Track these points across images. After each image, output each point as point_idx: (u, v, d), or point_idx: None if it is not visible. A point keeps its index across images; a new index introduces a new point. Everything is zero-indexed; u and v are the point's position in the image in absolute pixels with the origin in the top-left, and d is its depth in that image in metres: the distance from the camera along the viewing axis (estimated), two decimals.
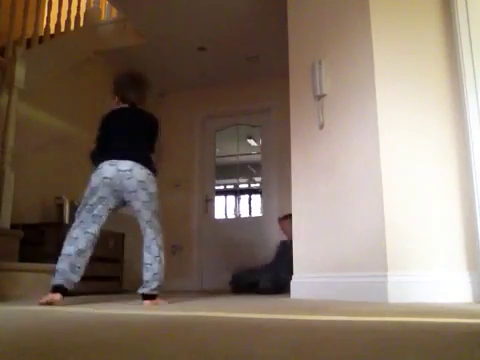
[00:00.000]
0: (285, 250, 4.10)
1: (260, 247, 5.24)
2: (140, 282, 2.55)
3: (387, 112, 2.76)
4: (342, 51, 3.11)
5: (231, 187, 6.43)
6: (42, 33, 4.50)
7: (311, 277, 3.04)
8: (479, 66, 2.60)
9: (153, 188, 2.60)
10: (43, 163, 4.08)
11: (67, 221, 3.83)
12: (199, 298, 3.31)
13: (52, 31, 4.65)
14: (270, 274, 4.24)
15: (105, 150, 2.60)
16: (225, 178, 6.34)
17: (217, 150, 6.00)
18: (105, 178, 2.51)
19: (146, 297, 2.51)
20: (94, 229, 2.49)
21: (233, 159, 6.02)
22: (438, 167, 2.65)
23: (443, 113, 2.69)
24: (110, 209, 2.56)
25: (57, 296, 2.34)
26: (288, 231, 3.94)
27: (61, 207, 3.90)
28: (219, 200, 6.22)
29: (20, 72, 3.51)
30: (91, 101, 4.81)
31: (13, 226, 3.25)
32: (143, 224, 2.57)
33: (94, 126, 2.79)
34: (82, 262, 2.44)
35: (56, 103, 4.40)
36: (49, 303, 2.30)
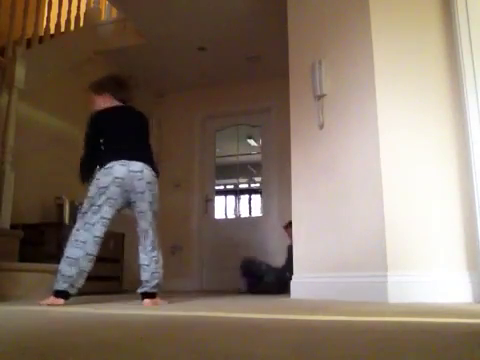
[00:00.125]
0: (290, 253, 4.13)
1: (260, 247, 5.25)
2: (139, 283, 2.56)
3: (387, 112, 2.76)
4: (342, 51, 3.11)
5: (231, 187, 6.43)
6: (42, 33, 4.50)
7: (311, 277, 3.04)
8: (479, 66, 2.60)
9: (157, 190, 2.62)
10: (43, 163, 4.08)
11: (67, 221, 3.83)
12: (199, 298, 3.31)
13: (52, 31, 4.65)
14: (275, 272, 4.26)
15: (110, 150, 2.57)
16: (225, 178, 6.34)
17: (217, 150, 6.00)
18: (117, 178, 2.47)
19: (146, 296, 2.51)
20: (102, 232, 2.46)
21: (233, 159, 6.02)
22: (438, 167, 2.65)
23: (443, 113, 2.69)
24: (117, 210, 2.54)
25: (60, 301, 2.33)
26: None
27: (61, 207, 3.90)
28: (219, 200, 6.22)
29: (20, 72, 3.52)
30: (91, 101, 4.81)
31: (13, 226, 3.25)
32: (145, 225, 2.57)
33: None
34: (89, 266, 2.42)
35: (56, 103, 4.40)
36: (50, 305, 2.31)
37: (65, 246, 2.44)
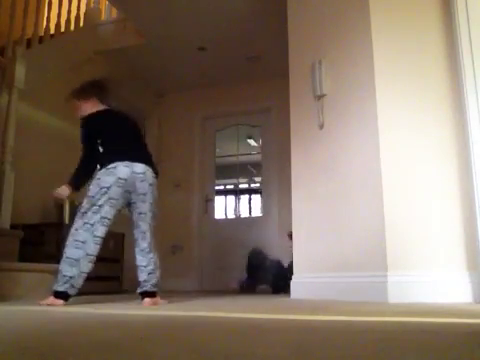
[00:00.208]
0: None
1: (260, 247, 5.23)
2: (137, 284, 2.56)
3: (387, 112, 2.76)
4: (342, 51, 3.11)
5: (231, 187, 6.43)
6: (42, 33, 4.50)
7: (311, 277, 3.04)
8: (479, 66, 2.60)
9: (156, 191, 2.65)
10: (43, 163, 4.08)
11: (67, 221, 3.82)
12: (199, 298, 3.31)
13: (52, 31, 4.65)
14: (279, 270, 4.27)
15: (111, 150, 2.57)
16: (225, 178, 6.34)
17: (217, 150, 6.00)
18: (120, 179, 2.47)
19: (146, 295, 2.51)
20: (102, 232, 2.45)
21: (233, 159, 6.02)
22: (438, 167, 2.65)
23: (443, 113, 2.69)
24: (118, 210, 2.54)
25: (59, 302, 2.33)
26: None
27: (61, 207, 3.90)
28: (219, 200, 6.22)
29: (20, 72, 3.51)
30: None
31: (13, 226, 3.25)
32: (144, 227, 2.58)
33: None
34: (90, 267, 2.42)
35: (56, 103, 4.39)
36: (49, 305, 2.31)
37: (64, 246, 2.43)
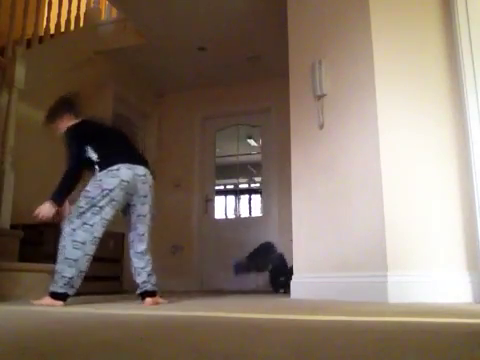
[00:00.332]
0: None
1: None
2: (136, 286, 2.57)
3: (387, 112, 2.76)
4: (342, 51, 3.11)
5: (231, 187, 6.43)
6: (42, 33, 4.50)
7: (311, 277, 3.04)
8: (479, 66, 2.60)
9: (154, 193, 2.66)
10: (43, 163, 4.07)
11: None
12: (199, 298, 3.31)
13: (52, 31, 4.65)
14: (282, 268, 4.28)
15: (109, 153, 2.56)
16: (225, 178, 6.34)
17: (217, 150, 6.00)
18: (123, 181, 2.46)
19: (148, 294, 2.52)
20: (101, 233, 2.45)
21: (233, 159, 6.02)
22: (438, 167, 2.65)
23: (443, 113, 2.69)
24: (116, 211, 2.54)
25: (59, 303, 2.33)
26: None
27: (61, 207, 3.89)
28: (219, 200, 6.22)
29: (20, 72, 3.51)
30: (91, 101, 4.81)
31: (13, 226, 3.24)
32: (143, 229, 2.59)
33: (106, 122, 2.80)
34: (87, 266, 2.42)
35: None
36: (49, 306, 2.30)
37: (58, 247, 2.41)
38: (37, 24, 4.35)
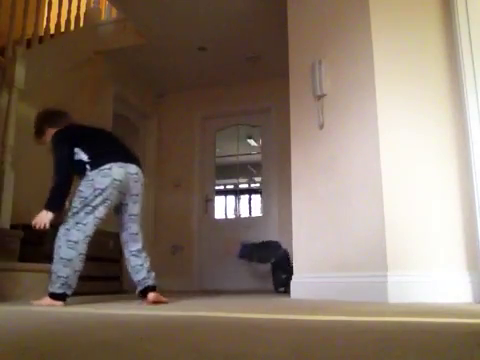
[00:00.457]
0: None
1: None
2: (135, 285, 2.57)
3: (387, 112, 2.76)
4: (342, 51, 3.11)
5: (231, 187, 6.43)
6: (42, 33, 4.49)
7: (311, 277, 3.04)
8: (479, 66, 2.60)
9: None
10: (43, 163, 4.06)
11: None
12: (199, 298, 3.31)
13: (52, 31, 4.65)
14: (284, 267, 4.29)
15: (100, 152, 2.55)
16: (225, 178, 6.35)
17: (217, 150, 6.00)
18: (115, 180, 2.46)
19: (150, 289, 2.53)
20: (92, 232, 2.45)
21: (233, 159, 6.02)
22: (438, 167, 2.65)
23: (443, 113, 2.69)
24: (109, 210, 2.54)
25: (59, 303, 2.33)
26: None
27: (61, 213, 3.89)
28: (219, 200, 6.22)
29: (20, 72, 3.51)
30: (91, 101, 4.81)
31: (13, 226, 3.24)
32: (136, 228, 2.61)
33: (94, 125, 2.79)
34: (81, 266, 2.42)
35: (56, 103, 4.37)
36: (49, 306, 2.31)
37: (53, 247, 2.41)
38: (37, 24, 4.34)
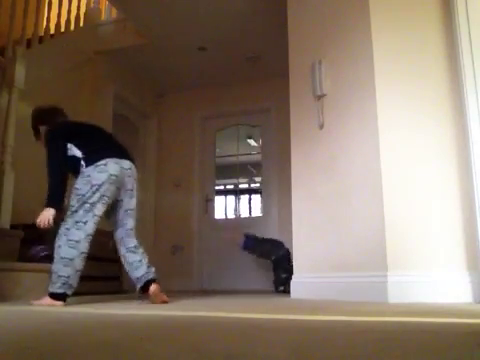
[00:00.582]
0: None
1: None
2: (134, 282, 2.58)
3: (387, 112, 2.76)
4: (342, 51, 3.11)
5: (231, 187, 6.43)
6: (42, 33, 4.50)
7: (311, 277, 3.04)
8: (479, 66, 2.60)
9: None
10: (43, 163, 4.06)
11: None
12: (199, 298, 3.31)
13: (52, 31, 4.65)
14: (284, 266, 4.29)
15: (96, 149, 2.56)
16: (225, 178, 6.34)
17: (217, 150, 6.00)
18: (112, 175, 2.47)
19: (153, 281, 2.54)
20: (93, 230, 2.46)
21: (233, 159, 6.02)
22: (438, 167, 2.65)
23: (443, 113, 2.69)
24: (108, 206, 2.55)
25: (59, 303, 2.33)
26: None
27: (62, 210, 3.89)
28: (219, 200, 6.22)
29: (20, 72, 3.51)
30: (91, 101, 4.81)
31: (13, 226, 3.24)
32: (132, 224, 2.63)
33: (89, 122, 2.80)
34: (82, 265, 2.42)
35: (56, 103, 4.40)
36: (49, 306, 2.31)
37: (53, 247, 2.42)
38: (37, 24, 4.35)
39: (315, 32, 3.35)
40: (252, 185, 6.65)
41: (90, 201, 2.43)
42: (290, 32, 3.54)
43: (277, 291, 4.26)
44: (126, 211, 2.62)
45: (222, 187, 6.52)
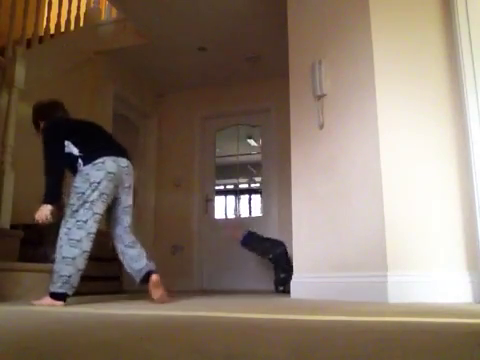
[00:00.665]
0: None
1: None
2: (137, 273, 2.61)
3: (387, 112, 2.76)
4: (342, 51, 3.11)
5: (231, 187, 6.43)
6: (42, 33, 4.50)
7: (311, 277, 3.04)
8: (479, 66, 2.60)
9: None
10: (43, 163, 4.07)
11: None
12: (199, 298, 3.31)
13: (52, 31, 4.65)
14: (282, 266, 4.28)
15: (93, 148, 2.58)
16: (225, 178, 6.34)
17: (217, 150, 6.00)
18: (109, 173, 2.49)
19: (153, 273, 2.58)
20: (95, 229, 2.46)
21: (233, 159, 6.02)
22: (438, 167, 2.65)
23: (443, 113, 2.69)
24: (108, 205, 2.56)
25: (59, 303, 2.33)
26: None
27: (62, 207, 3.89)
28: (219, 200, 6.22)
29: (20, 72, 3.51)
30: (91, 101, 4.81)
31: (13, 226, 3.24)
32: (129, 221, 2.67)
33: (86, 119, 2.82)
34: (85, 264, 2.42)
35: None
36: (50, 305, 2.31)
37: (55, 248, 2.42)
38: (37, 24, 4.34)
39: (315, 32, 3.35)
40: (252, 185, 6.65)
41: (90, 199, 2.44)
42: (290, 32, 3.53)
43: (277, 291, 4.26)
44: (124, 208, 2.65)
45: (222, 187, 6.52)
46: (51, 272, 2.43)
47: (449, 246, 2.54)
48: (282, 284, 4.13)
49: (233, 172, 6.06)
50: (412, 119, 2.73)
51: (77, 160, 2.51)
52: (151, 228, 5.65)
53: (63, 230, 2.42)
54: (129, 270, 2.63)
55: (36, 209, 2.46)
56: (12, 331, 1.28)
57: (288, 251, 4.43)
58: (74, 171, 2.54)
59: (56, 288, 2.34)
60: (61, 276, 2.34)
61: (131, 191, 2.68)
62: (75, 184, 2.49)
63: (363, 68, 2.91)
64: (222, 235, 5.49)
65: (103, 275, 3.97)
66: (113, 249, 2.72)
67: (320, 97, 3.19)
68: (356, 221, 2.82)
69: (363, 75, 2.90)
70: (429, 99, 2.72)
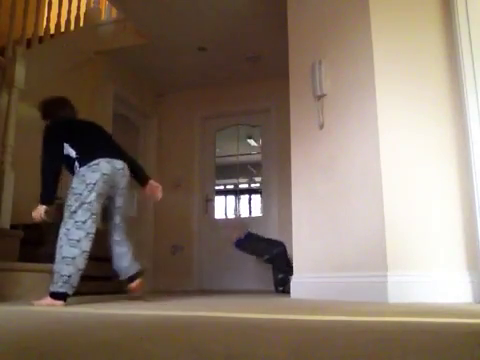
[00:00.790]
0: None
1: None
2: (122, 271, 2.70)
3: (387, 112, 2.76)
4: (342, 51, 3.11)
5: (231, 187, 6.43)
6: (42, 33, 4.50)
7: (311, 277, 3.04)
8: (479, 66, 2.60)
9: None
10: (40, 162, 4.06)
11: None
12: (199, 298, 3.31)
13: (52, 31, 4.65)
14: (281, 266, 4.28)
15: (89, 150, 2.63)
16: (225, 178, 6.34)
17: (217, 150, 6.00)
18: (104, 174, 2.55)
19: (139, 275, 2.69)
20: (94, 229, 2.50)
21: (233, 159, 6.02)
22: (438, 167, 2.65)
23: (443, 113, 2.69)
24: (102, 205, 2.63)
25: (59, 303, 2.34)
26: None
27: (61, 207, 3.89)
28: (219, 200, 6.22)
29: (20, 72, 3.51)
30: (91, 101, 4.81)
31: (13, 226, 3.24)
32: (119, 219, 2.74)
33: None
34: (85, 264, 2.45)
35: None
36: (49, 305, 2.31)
37: (56, 248, 2.44)
38: (37, 24, 4.35)
39: (315, 32, 3.35)
40: (252, 185, 6.64)
41: (87, 200, 2.49)
42: (290, 32, 3.53)
43: (277, 291, 4.26)
44: (116, 208, 2.74)
45: (222, 187, 6.51)
46: (51, 272, 2.44)
47: (449, 246, 2.54)
48: (281, 285, 4.13)
49: (233, 172, 6.06)
50: (412, 119, 2.73)
51: (74, 162, 2.58)
52: (151, 228, 5.65)
53: (62, 230, 2.45)
54: (114, 267, 2.73)
55: (35, 208, 2.56)
56: (12, 331, 1.28)
57: (288, 251, 4.42)
58: (72, 172, 2.61)
59: (56, 288, 2.35)
60: (61, 276, 2.36)
61: (124, 192, 2.74)
62: (72, 185, 2.55)
63: (363, 68, 2.91)
64: (222, 235, 5.49)
65: (103, 275, 3.96)
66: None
67: (320, 97, 3.19)
68: (356, 221, 2.82)
69: (363, 75, 2.90)
70: (429, 99, 2.72)
